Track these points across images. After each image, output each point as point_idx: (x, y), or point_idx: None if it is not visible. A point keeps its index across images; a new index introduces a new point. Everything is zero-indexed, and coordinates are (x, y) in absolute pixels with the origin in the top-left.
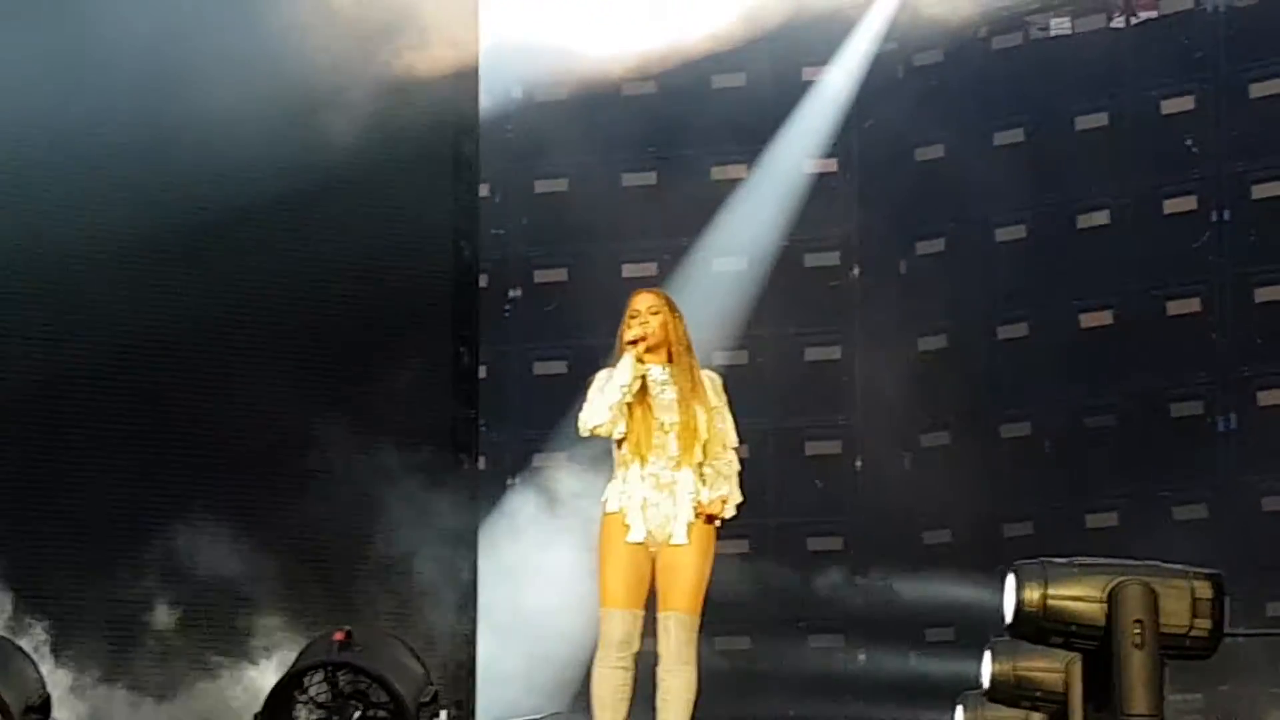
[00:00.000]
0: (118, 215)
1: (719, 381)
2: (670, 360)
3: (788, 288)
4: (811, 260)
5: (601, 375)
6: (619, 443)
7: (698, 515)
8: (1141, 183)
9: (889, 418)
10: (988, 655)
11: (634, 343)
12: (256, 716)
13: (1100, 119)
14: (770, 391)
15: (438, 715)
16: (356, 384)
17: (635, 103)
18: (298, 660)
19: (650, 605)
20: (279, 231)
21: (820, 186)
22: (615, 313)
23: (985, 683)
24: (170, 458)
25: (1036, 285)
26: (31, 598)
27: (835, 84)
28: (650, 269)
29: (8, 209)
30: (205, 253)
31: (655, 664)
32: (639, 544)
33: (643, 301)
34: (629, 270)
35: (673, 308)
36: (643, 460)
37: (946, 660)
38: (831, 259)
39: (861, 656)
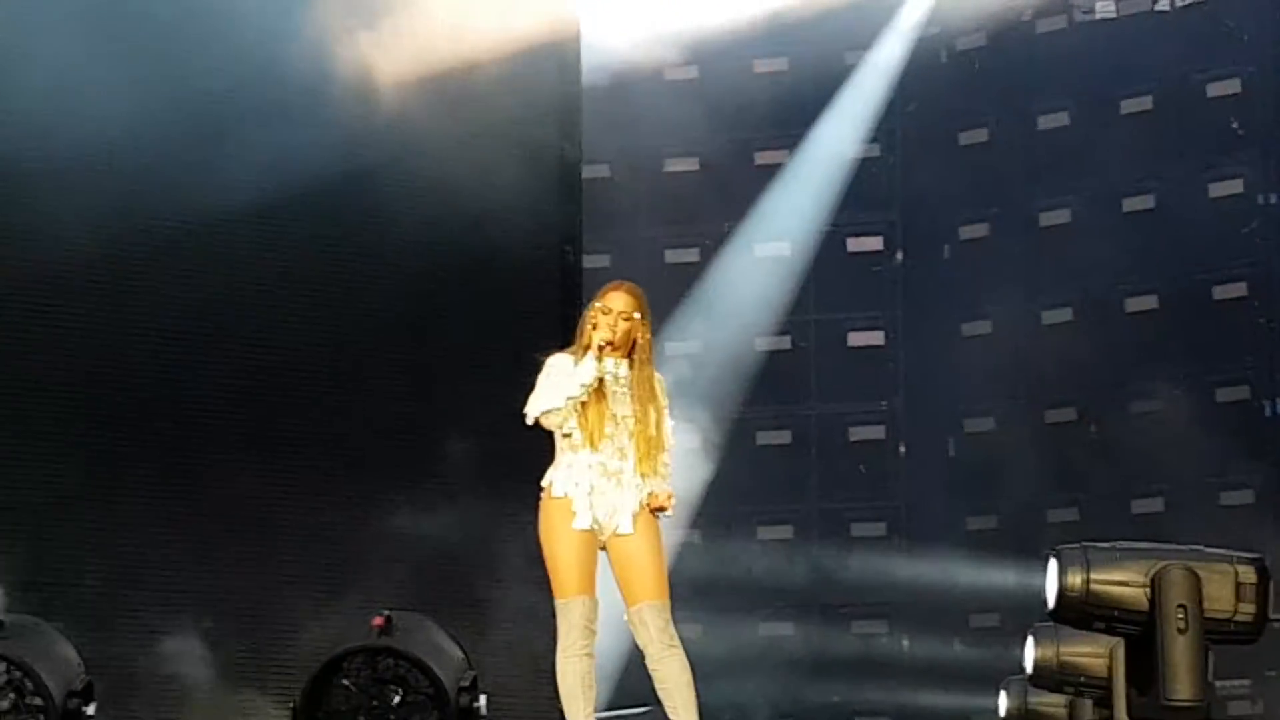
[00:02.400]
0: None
1: (664, 383)
2: (630, 360)
3: (830, 272)
4: (854, 245)
5: (558, 361)
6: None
7: (644, 507)
8: (1187, 166)
9: (933, 403)
10: (1030, 640)
11: (602, 347)
12: (295, 703)
13: (1145, 102)
14: (813, 377)
15: (477, 700)
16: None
17: (677, 88)
18: (337, 645)
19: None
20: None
21: (863, 171)
22: (658, 300)
23: (1028, 668)
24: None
25: (1081, 270)
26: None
27: (878, 68)
28: (693, 254)
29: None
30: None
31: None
32: (586, 531)
33: (617, 302)
34: (671, 256)
35: (644, 313)
36: (593, 447)
37: (991, 646)
38: (875, 244)
39: (905, 642)
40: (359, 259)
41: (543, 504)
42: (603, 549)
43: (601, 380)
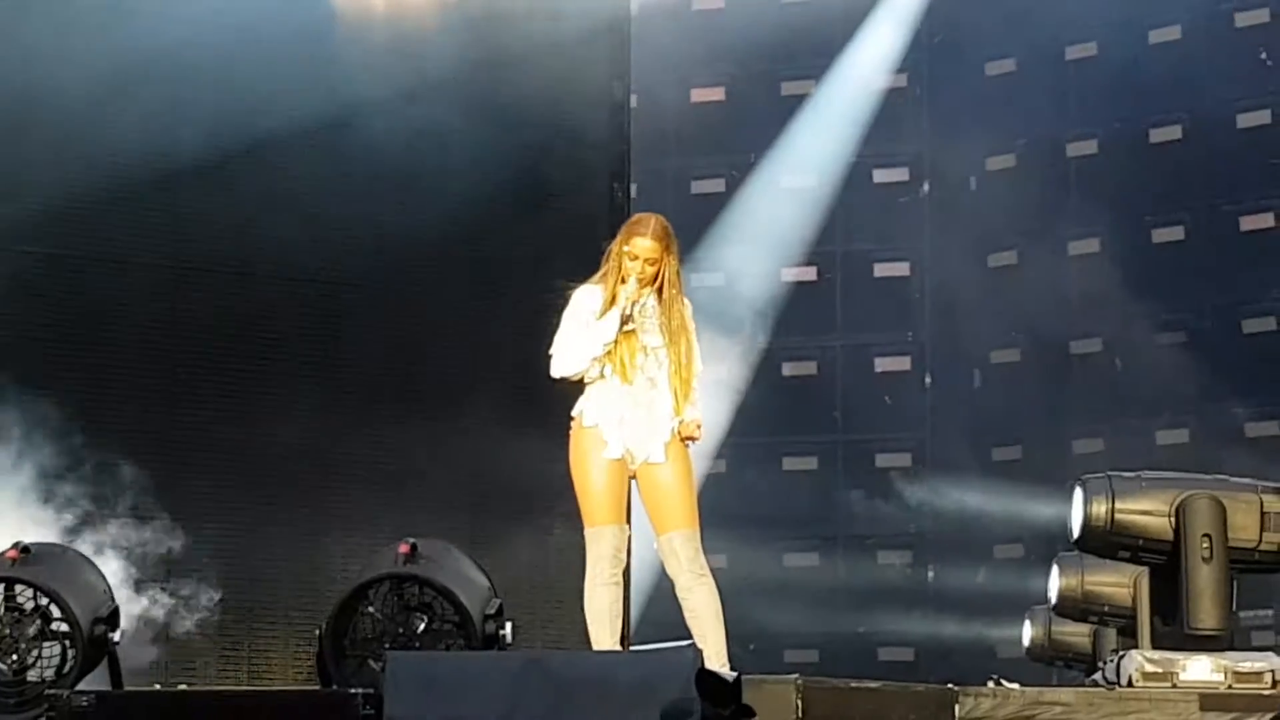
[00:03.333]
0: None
1: (690, 309)
2: (660, 293)
3: (857, 204)
4: (881, 176)
5: (583, 300)
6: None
7: (675, 436)
8: (1215, 97)
9: (958, 334)
10: (1055, 570)
11: (630, 304)
12: (321, 630)
13: (1173, 32)
14: (839, 308)
15: (503, 627)
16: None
17: (704, 18)
18: (363, 573)
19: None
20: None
21: (890, 102)
22: (685, 230)
23: (1052, 597)
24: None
25: (1108, 200)
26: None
27: None
28: (719, 185)
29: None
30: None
31: (671, 588)
32: (617, 460)
33: (642, 249)
34: (698, 186)
35: (669, 247)
36: (623, 377)
37: (1015, 576)
38: (901, 175)
39: (930, 573)
40: (407, 187)
41: (573, 433)
42: (633, 478)
43: (630, 314)
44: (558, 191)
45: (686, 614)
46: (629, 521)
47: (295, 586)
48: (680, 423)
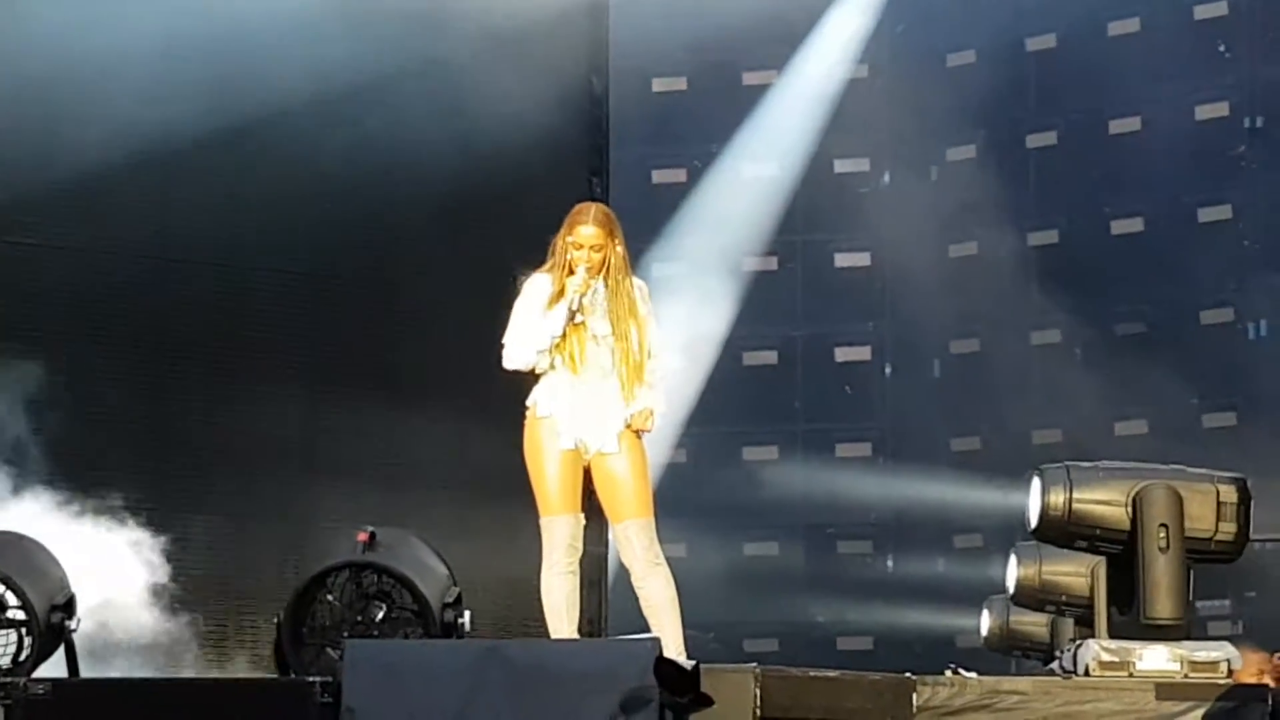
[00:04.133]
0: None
1: (646, 290)
2: (606, 280)
3: (818, 194)
4: (842, 166)
5: (533, 292)
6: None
7: (628, 426)
8: (1174, 88)
9: (918, 324)
10: (1012, 559)
11: (579, 292)
12: (279, 618)
13: (1133, 24)
14: (800, 298)
15: (462, 616)
16: None
17: (666, 7)
18: (322, 561)
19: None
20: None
21: (851, 92)
22: (646, 220)
23: (1010, 587)
24: None
25: (1068, 192)
26: None
27: None
28: (680, 175)
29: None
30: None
31: (628, 577)
32: (570, 450)
33: (586, 237)
34: (659, 176)
35: (613, 233)
36: (573, 369)
37: (974, 565)
38: (862, 165)
39: (889, 562)
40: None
41: (528, 423)
42: (587, 468)
43: (578, 306)
44: (537, 186)
45: (642, 603)
46: (584, 511)
47: (274, 575)
48: (632, 414)
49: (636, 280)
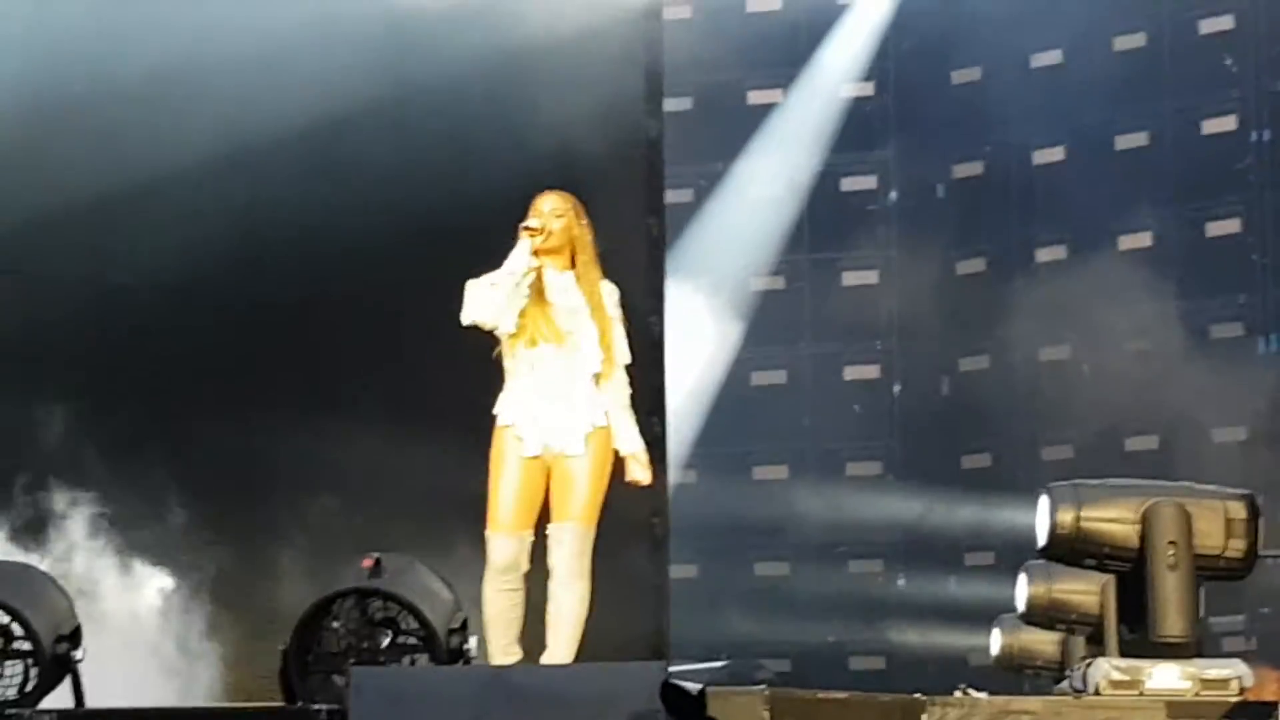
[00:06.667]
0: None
1: (617, 295)
2: (574, 266)
3: (825, 212)
4: (849, 184)
5: (493, 274)
6: (512, 345)
7: (597, 429)
8: (1180, 103)
9: (927, 342)
10: (1022, 578)
11: (529, 230)
12: (285, 645)
13: (1138, 39)
14: (807, 316)
15: (467, 641)
16: None
17: (672, 28)
18: (327, 587)
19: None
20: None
21: (857, 110)
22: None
23: (1020, 606)
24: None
25: (1075, 208)
26: None
27: (872, 6)
28: (687, 195)
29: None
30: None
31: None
32: (534, 458)
33: (546, 203)
34: (666, 196)
35: (579, 213)
36: (537, 367)
37: (986, 584)
38: (869, 183)
39: (901, 581)
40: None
41: (495, 432)
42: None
43: (543, 292)
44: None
45: (551, 608)
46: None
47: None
48: (627, 461)
49: (607, 284)
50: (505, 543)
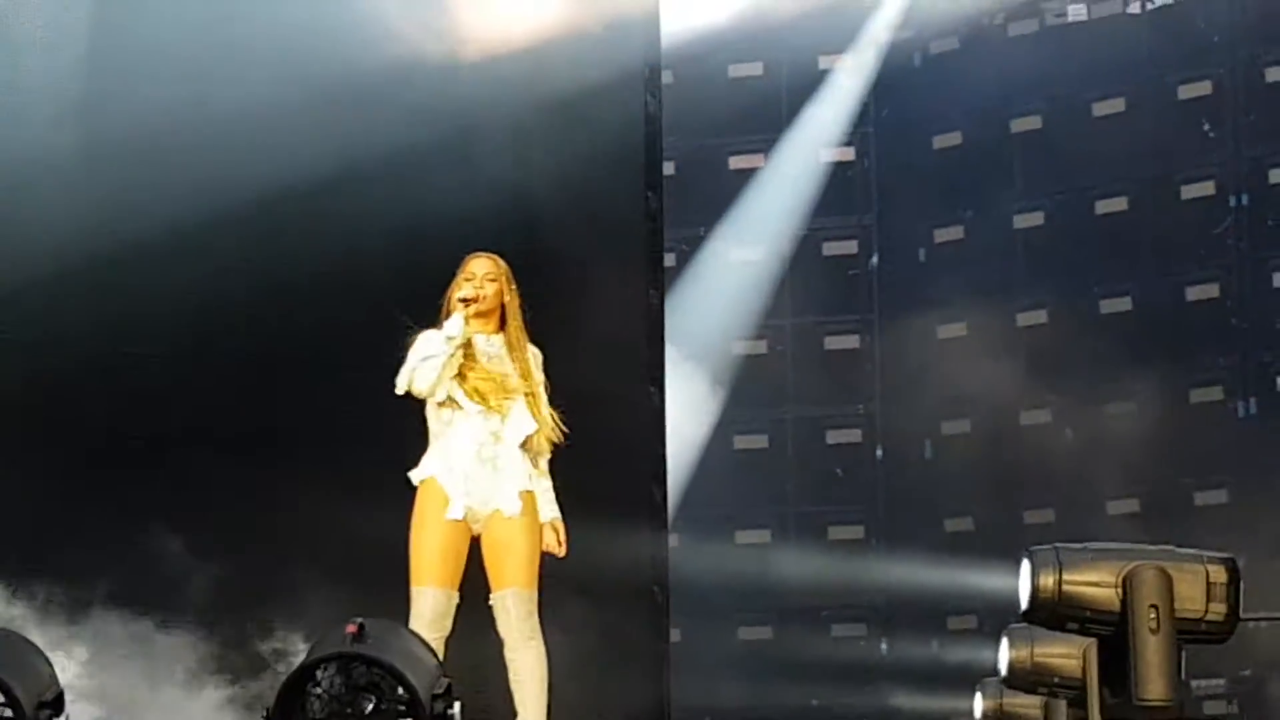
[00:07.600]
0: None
1: (540, 358)
2: (502, 330)
3: (806, 277)
4: (830, 249)
5: (427, 334)
6: (440, 407)
7: (524, 494)
8: (1159, 168)
9: (909, 406)
10: (1004, 642)
11: (465, 301)
12: (268, 711)
13: (1117, 104)
14: (790, 381)
15: (451, 707)
16: None
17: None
18: (310, 653)
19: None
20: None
21: (838, 175)
22: None
23: (1003, 669)
24: None
25: (1055, 272)
26: None
27: (852, 72)
28: (669, 259)
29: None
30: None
31: (501, 648)
32: (458, 521)
33: (479, 266)
34: None
35: (510, 278)
36: (466, 430)
37: (969, 648)
38: (850, 247)
39: (884, 645)
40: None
41: (419, 490)
42: (476, 538)
43: (473, 356)
44: (594, 289)
45: (511, 676)
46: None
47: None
48: (544, 529)
49: (532, 348)
50: (435, 595)
